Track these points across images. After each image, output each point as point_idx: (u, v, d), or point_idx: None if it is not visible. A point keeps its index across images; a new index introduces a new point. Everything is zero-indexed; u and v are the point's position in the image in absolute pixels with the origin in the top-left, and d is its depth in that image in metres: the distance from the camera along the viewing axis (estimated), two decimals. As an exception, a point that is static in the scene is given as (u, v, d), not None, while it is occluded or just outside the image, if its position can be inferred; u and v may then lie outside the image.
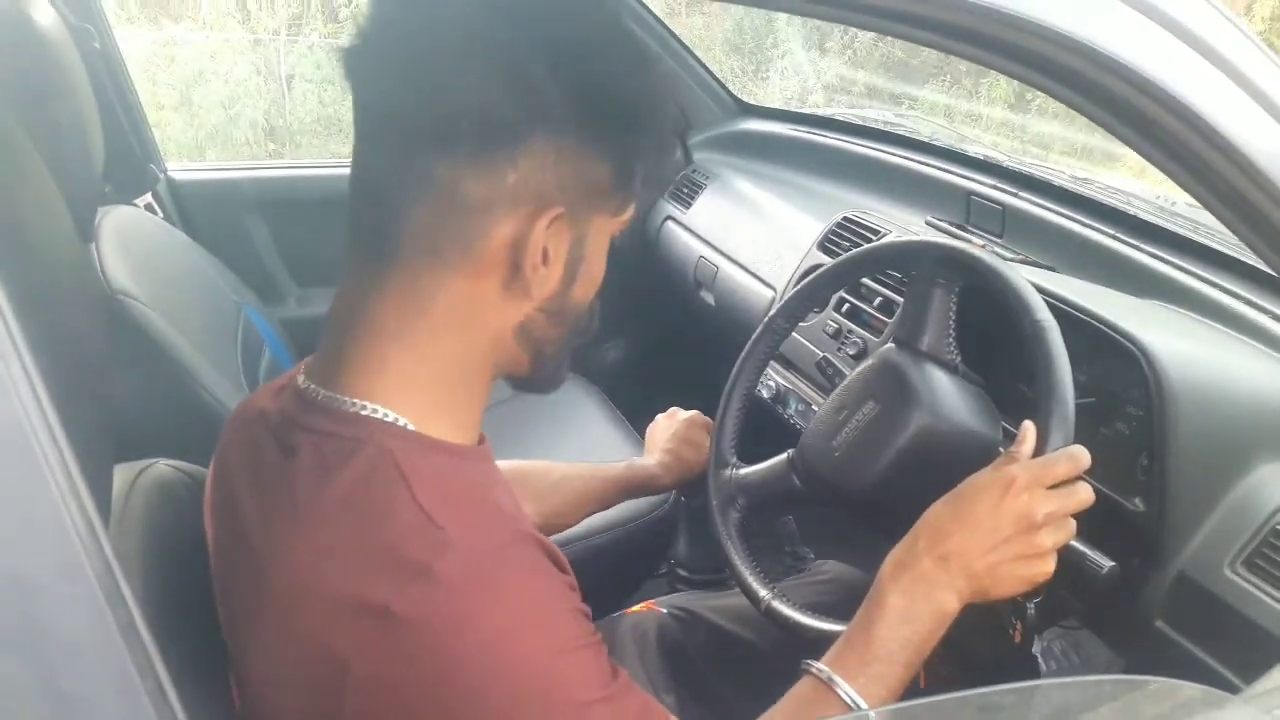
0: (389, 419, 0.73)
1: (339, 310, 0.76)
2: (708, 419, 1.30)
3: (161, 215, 1.95)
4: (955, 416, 1.04)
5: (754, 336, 1.25)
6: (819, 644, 0.89)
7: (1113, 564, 0.96)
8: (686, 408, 1.34)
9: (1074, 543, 0.97)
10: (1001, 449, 1.03)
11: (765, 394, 1.63)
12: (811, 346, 1.54)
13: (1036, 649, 1.30)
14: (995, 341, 1.12)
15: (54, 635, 0.45)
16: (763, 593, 1.10)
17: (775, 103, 4.22)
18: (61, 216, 0.97)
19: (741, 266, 1.87)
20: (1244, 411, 1.05)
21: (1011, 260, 1.46)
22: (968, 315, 1.10)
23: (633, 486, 1.27)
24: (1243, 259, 1.26)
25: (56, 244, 0.92)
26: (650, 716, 0.74)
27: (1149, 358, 1.03)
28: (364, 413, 0.73)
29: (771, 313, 1.26)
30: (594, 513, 1.26)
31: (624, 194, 0.76)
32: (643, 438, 1.38)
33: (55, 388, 0.49)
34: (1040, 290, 1.15)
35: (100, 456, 0.73)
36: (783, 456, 1.17)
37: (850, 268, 1.23)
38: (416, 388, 0.74)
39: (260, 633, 0.72)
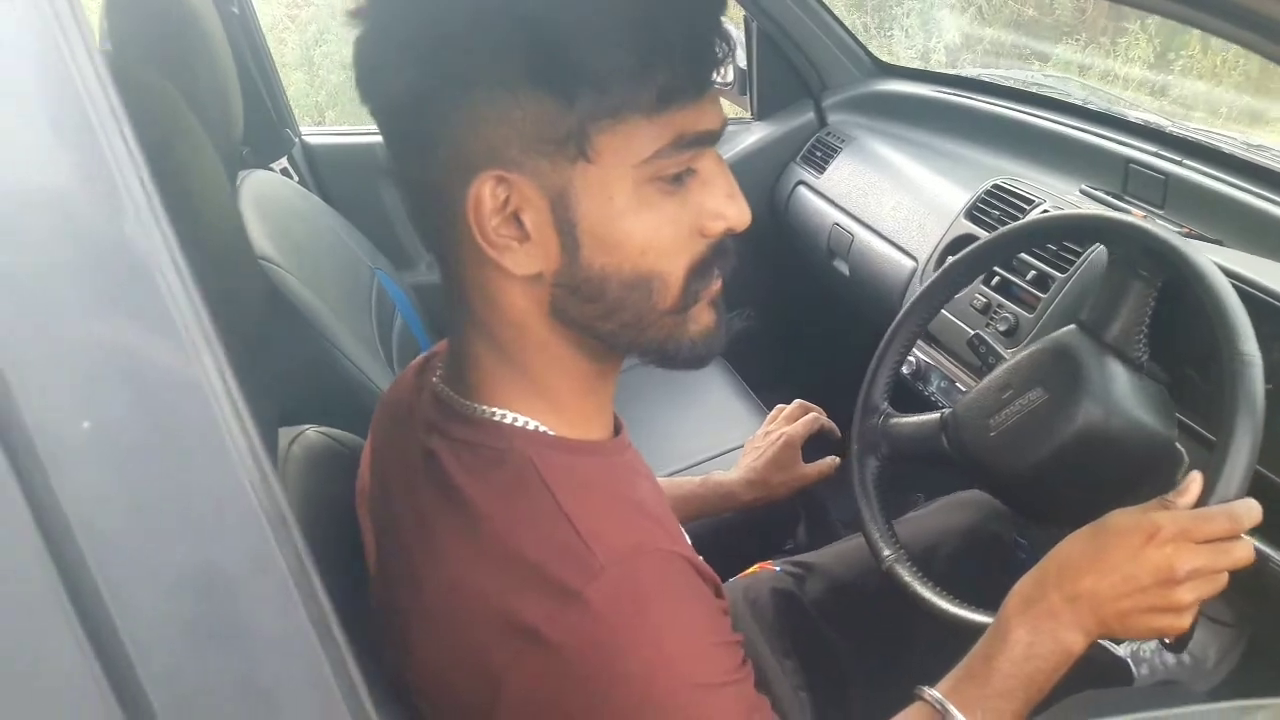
0: (520, 423, 0.72)
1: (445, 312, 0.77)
2: (802, 435, 1.26)
3: (296, 180, 1.97)
4: (1128, 418, 0.96)
5: (931, 280, 1.20)
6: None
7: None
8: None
9: (1258, 545, 0.90)
10: (1178, 445, 0.96)
11: (905, 370, 1.56)
12: (958, 322, 1.47)
13: (1124, 652, 1.23)
14: (1184, 336, 1.03)
15: (250, 629, 0.44)
16: (886, 551, 1.08)
17: (899, 62, 4.07)
18: (218, 175, 0.97)
19: (880, 235, 1.79)
20: None
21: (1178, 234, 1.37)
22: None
23: (709, 503, 1.25)
24: None
25: (216, 204, 0.92)
26: None
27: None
28: (496, 418, 0.72)
29: (954, 258, 1.20)
30: None
31: (583, 133, 0.62)
32: (767, 410, 1.35)
33: (227, 358, 0.47)
34: (1218, 267, 1.07)
35: (267, 426, 0.73)
36: (935, 415, 1.13)
37: (1040, 231, 1.17)
38: (526, 387, 0.73)
39: (419, 634, 0.72)
